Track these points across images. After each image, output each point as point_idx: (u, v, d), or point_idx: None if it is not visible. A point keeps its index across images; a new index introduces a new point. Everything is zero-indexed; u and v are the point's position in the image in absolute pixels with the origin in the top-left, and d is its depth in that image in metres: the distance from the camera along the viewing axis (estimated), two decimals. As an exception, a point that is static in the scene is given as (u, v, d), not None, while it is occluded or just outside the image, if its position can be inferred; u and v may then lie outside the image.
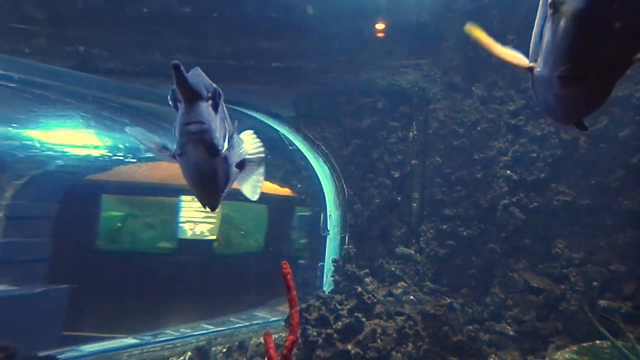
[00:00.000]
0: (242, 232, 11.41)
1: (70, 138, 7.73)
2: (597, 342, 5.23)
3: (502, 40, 6.40)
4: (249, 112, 7.09)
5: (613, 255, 5.78)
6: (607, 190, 5.92)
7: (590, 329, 5.47)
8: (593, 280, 5.76)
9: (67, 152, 7.90)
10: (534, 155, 6.31)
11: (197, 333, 6.26)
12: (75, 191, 8.67)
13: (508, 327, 5.86)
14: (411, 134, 6.93)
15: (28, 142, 7.57)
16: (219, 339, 5.78)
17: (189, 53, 6.20)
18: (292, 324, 1.53)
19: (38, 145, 7.56)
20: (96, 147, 7.92)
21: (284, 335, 5.14)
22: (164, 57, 6.14)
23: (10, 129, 7.30)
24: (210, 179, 1.66)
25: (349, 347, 4.32)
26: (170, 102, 1.64)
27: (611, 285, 5.71)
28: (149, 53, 6.09)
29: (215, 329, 6.46)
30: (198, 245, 10.41)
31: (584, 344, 5.29)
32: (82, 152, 8.03)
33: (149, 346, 5.58)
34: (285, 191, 9.71)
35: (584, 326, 5.55)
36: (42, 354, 3.57)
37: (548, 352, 5.50)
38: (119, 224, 10.51)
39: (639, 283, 5.59)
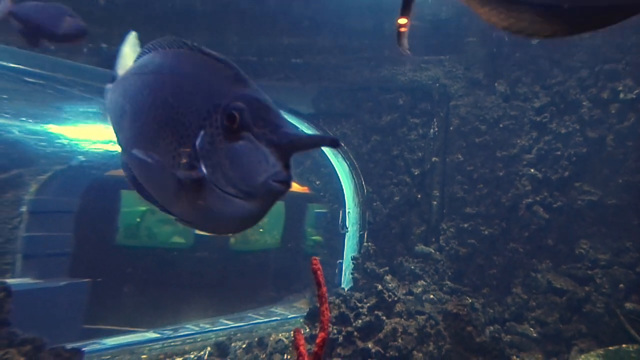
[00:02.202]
0: (261, 230, 11.44)
1: (93, 134, 7.85)
2: (624, 345, 5.10)
3: (526, 39, 6.22)
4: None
5: (639, 257, 5.63)
6: (634, 190, 5.78)
7: (615, 332, 5.35)
8: (619, 282, 5.62)
9: (90, 148, 8.01)
10: (559, 153, 6.18)
11: (217, 328, 6.28)
12: (96, 187, 8.80)
13: (531, 329, 5.75)
14: (432, 130, 6.84)
15: (51, 138, 7.70)
16: (238, 335, 5.79)
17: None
18: (323, 321, 1.50)
19: (64, 141, 7.68)
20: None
21: (302, 332, 5.13)
22: (185, 53, 6.16)
23: (35, 124, 7.42)
24: None
25: (370, 345, 4.28)
26: (238, 118, 1.20)
27: (638, 288, 5.57)
28: (170, 49, 6.11)
29: (235, 325, 6.48)
30: (215, 241, 10.48)
31: (610, 348, 5.16)
32: (105, 147, 8.14)
33: (170, 340, 5.62)
34: (302, 188, 9.70)
35: (609, 329, 5.42)
36: (68, 346, 3.62)
37: (571, 355, 5.40)
38: (138, 219, 10.66)
39: (666, 286, 5.45)
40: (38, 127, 7.53)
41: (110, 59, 5.86)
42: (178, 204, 1.36)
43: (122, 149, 1.59)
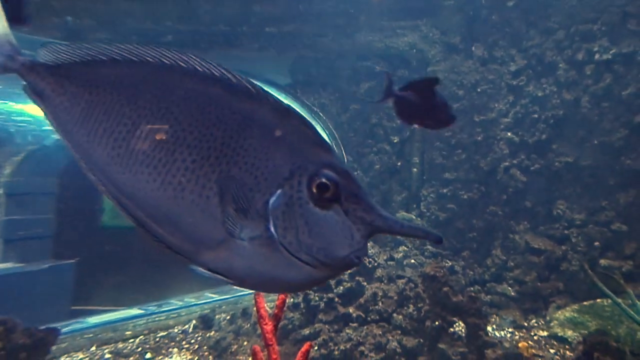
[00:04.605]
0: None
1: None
2: (598, 300, 5.28)
3: (503, 1, 6.12)
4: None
5: (615, 215, 5.77)
6: (609, 151, 5.86)
7: (591, 288, 5.51)
8: (594, 241, 5.76)
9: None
10: (535, 116, 6.21)
11: (202, 302, 6.34)
12: (75, 166, 8.62)
13: (509, 288, 5.90)
14: (410, 97, 6.80)
15: (22, 117, 7.49)
16: (223, 307, 5.85)
17: (180, 20, 6.03)
18: (283, 283, 1.50)
19: (33, 119, 7.47)
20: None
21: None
22: (154, 24, 5.99)
23: (1, 103, 7.20)
24: None
25: (351, 310, 4.36)
26: (333, 190, 1.15)
27: (613, 245, 5.72)
28: (139, 21, 5.93)
29: (219, 298, 6.54)
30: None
31: (585, 303, 5.34)
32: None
33: (154, 316, 5.66)
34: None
35: (585, 286, 5.58)
36: (43, 326, 3.61)
37: (549, 312, 5.56)
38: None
39: (640, 242, 5.60)
40: (5, 106, 7.31)
41: (76, 32, 5.61)
42: (214, 254, 1.22)
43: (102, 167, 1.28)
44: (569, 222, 5.96)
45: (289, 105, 1.22)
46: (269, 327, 1.45)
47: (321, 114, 6.95)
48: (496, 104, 6.41)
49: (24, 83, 1.32)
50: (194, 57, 1.23)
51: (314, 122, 7.03)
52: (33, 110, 7.41)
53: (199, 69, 1.22)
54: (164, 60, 1.24)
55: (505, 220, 6.28)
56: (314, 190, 1.14)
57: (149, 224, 1.26)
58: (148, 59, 1.25)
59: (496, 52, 6.46)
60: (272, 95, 1.22)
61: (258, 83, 1.21)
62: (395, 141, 6.88)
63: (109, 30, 5.81)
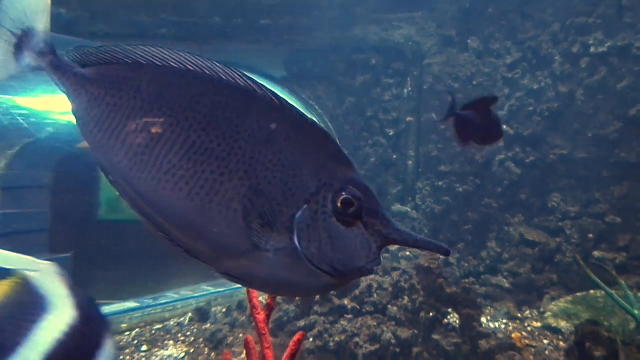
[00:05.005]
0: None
1: (60, 105, 7.59)
2: (592, 292, 5.32)
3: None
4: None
5: (609, 208, 5.80)
6: (604, 143, 5.88)
7: (584, 279, 5.56)
8: (588, 233, 5.80)
9: (57, 120, 7.77)
10: (531, 109, 6.23)
11: (198, 295, 6.35)
12: (70, 160, 8.59)
13: (504, 280, 5.94)
14: (406, 90, 6.80)
15: (16, 110, 7.44)
16: (219, 300, 5.87)
17: (175, 12, 5.99)
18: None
19: (28, 112, 7.43)
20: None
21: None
22: (149, 17, 5.95)
23: (3, 97, 7.15)
24: None
25: (346, 302, 4.38)
26: (356, 207, 1.17)
27: (606, 237, 5.76)
28: (133, 13, 5.89)
29: (215, 290, 6.56)
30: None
31: (578, 294, 5.38)
32: (73, 118, 7.90)
33: (150, 309, 5.67)
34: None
35: (579, 277, 5.63)
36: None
37: (543, 303, 5.61)
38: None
39: (634, 234, 5.64)
40: (5, 99, 7.26)
41: (70, 25, 5.56)
42: (236, 262, 1.22)
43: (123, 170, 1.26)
44: (563, 214, 5.99)
45: (312, 119, 1.22)
46: (261, 316, 1.46)
47: (317, 107, 6.94)
48: (492, 97, 6.42)
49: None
50: (218, 65, 1.21)
51: (311, 116, 7.03)
52: (27, 103, 7.37)
53: (223, 77, 1.20)
54: (188, 66, 1.21)
55: (500, 212, 6.31)
56: (339, 206, 1.16)
57: (168, 229, 1.24)
58: (172, 63, 1.22)
59: (492, 45, 6.46)
60: (295, 107, 1.22)
61: (253, 76, 1.20)
62: (390, 134, 6.89)
63: (103, 22, 5.77)
